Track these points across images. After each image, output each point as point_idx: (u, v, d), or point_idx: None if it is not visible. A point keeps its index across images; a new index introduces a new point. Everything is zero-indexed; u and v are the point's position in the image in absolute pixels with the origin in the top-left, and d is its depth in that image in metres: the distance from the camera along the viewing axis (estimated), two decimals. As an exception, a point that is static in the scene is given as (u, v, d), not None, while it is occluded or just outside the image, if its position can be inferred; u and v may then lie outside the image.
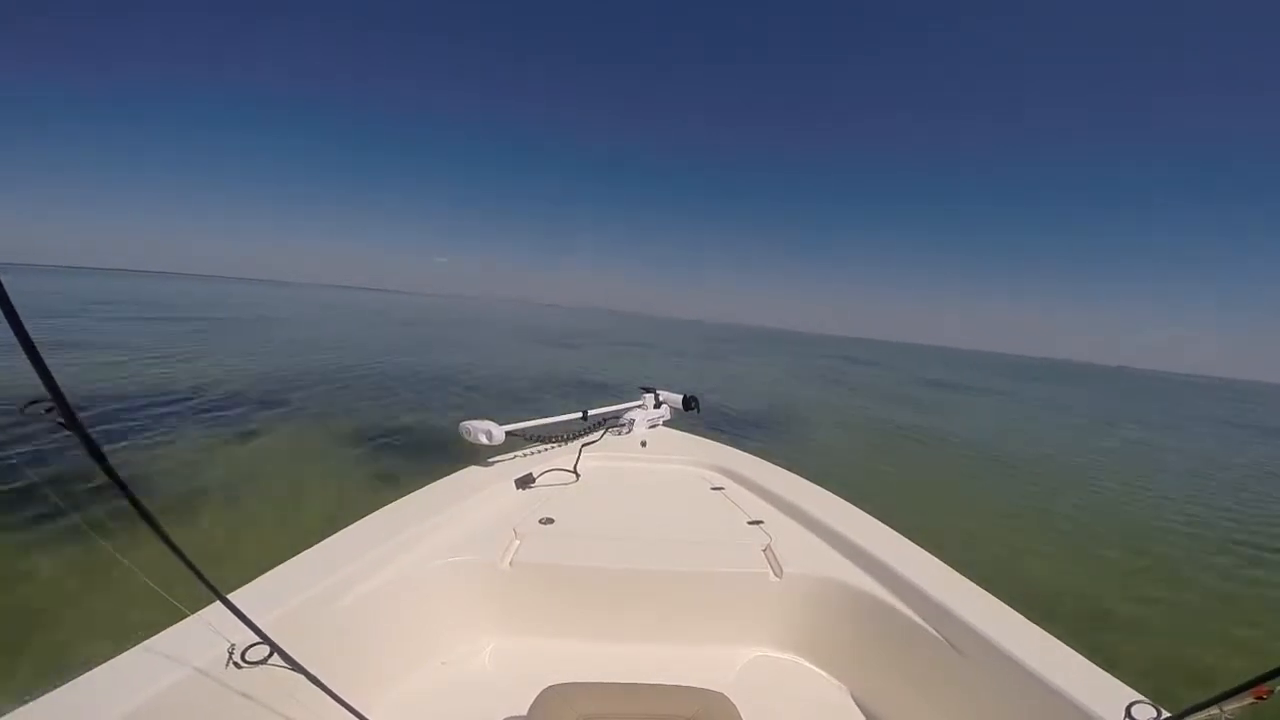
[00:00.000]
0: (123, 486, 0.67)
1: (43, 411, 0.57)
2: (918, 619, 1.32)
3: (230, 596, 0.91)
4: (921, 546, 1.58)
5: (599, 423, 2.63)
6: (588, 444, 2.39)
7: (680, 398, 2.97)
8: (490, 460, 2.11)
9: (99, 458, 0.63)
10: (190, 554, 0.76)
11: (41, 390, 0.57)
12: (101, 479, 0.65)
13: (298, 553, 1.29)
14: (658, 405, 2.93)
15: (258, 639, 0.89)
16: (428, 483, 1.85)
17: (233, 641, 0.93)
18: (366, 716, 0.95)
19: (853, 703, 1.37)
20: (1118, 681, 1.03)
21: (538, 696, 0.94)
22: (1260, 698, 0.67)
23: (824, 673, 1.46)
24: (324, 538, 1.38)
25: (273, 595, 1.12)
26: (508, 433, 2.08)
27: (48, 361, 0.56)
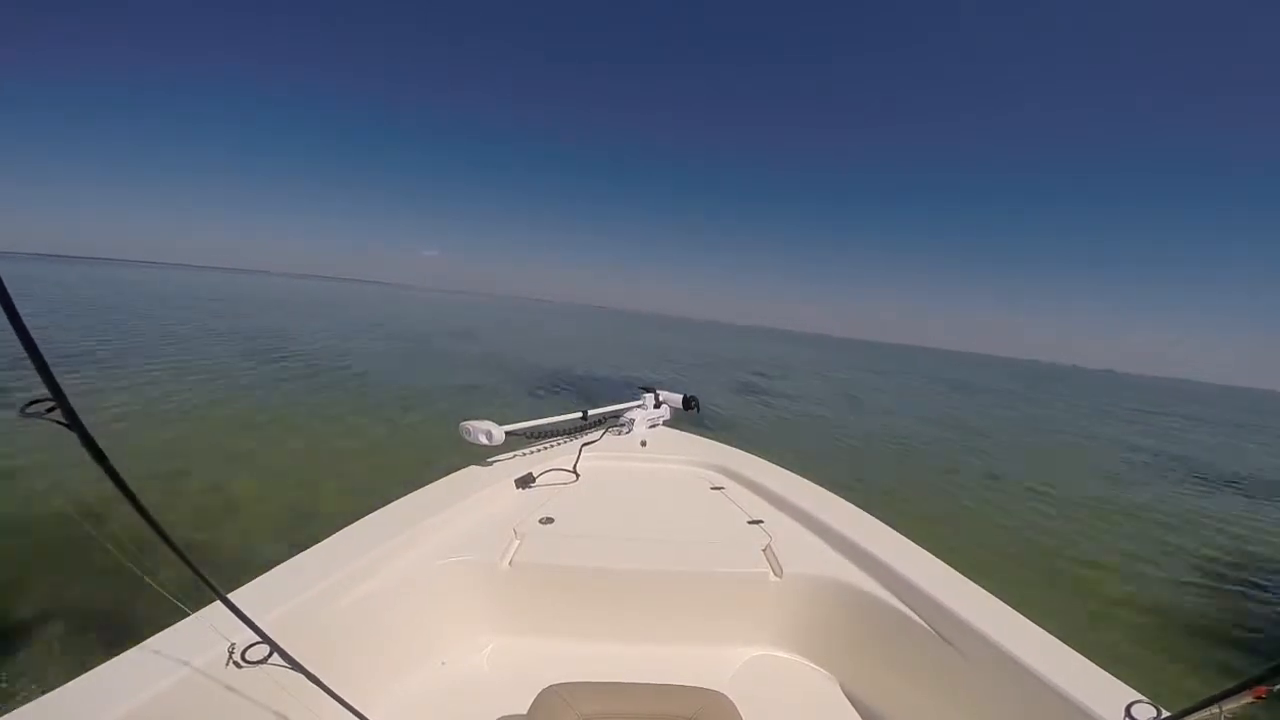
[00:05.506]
0: (123, 487, 0.67)
1: (44, 411, 0.57)
2: (918, 619, 1.32)
3: (230, 596, 0.91)
4: (922, 547, 1.58)
5: (599, 423, 2.63)
6: (588, 444, 2.39)
7: (680, 398, 2.97)
8: (490, 460, 2.11)
9: (100, 458, 0.63)
10: (190, 553, 0.76)
11: (43, 389, 0.57)
12: (103, 478, 0.65)
13: (298, 553, 1.29)
14: (658, 405, 2.93)
15: (258, 639, 0.89)
16: (428, 483, 1.85)
17: (233, 641, 0.94)
18: (366, 716, 0.95)
19: (851, 703, 1.37)
20: (1118, 681, 1.03)
21: (537, 696, 0.94)
22: (1259, 697, 0.67)
23: (824, 672, 1.46)
24: (324, 538, 1.38)
25: (273, 595, 1.12)
26: (508, 433, 2.08)
27: (48, 360, 0.56)
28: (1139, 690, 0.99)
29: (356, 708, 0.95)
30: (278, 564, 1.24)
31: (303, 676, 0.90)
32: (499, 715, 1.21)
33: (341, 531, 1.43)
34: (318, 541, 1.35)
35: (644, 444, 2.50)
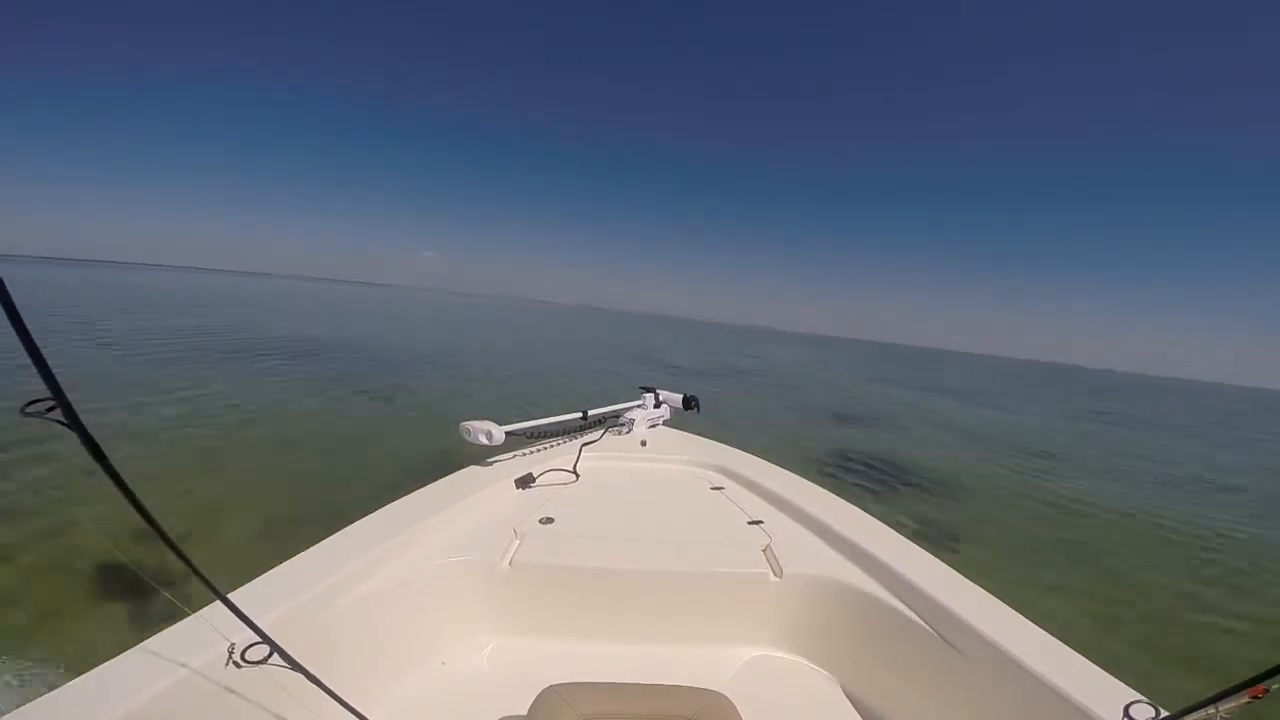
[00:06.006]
0: (124, 487, 0.67)
1: (44, 411, 0.58)
2: (917, 619, 1.32)
3: (230, 596, 0.91)
4: (922, 547, 1.58)
5: (599, 422, 2.63)
6: (588, 444, 2.39)
7: (680, 397, 2.97)
8: (490, 460, 2.11)
9: (100, 457, 0.63)
10: (190, 553, 0.76)
11: (43, 388, 0.57)
12: (102, 478, 0.65)
13: (298, 553, 1.30)
14: (658, 405, 2.93)
15: (258, 639, 0.89)
16: (428, 483, 1.85)
17: (233, 641, 0.94)
18: (366, 716, 0.95)
19: (851, 703, 1.37)
20: (1117, 681, 1.03)
21: (537, 696, 0.94)
22: (1257, 697, 0.67)
23: (824, 672, 1.46)
24: (324, 538, 1.38)
25: (273, 595, 1.12)
26: (508, 433, 2.08)
27: (48, 360, 0.56)
28: (1138, 690, 0.99)
29: (356, 708, 0.95)
30: (278, 564, 1.24)
31: (302, 676, 0.90)
32: (499, 715, 1.21)
33: (341, 531, 1.43)
34: (318, 541, 1.36)
35: (644, 444, 2.50)
